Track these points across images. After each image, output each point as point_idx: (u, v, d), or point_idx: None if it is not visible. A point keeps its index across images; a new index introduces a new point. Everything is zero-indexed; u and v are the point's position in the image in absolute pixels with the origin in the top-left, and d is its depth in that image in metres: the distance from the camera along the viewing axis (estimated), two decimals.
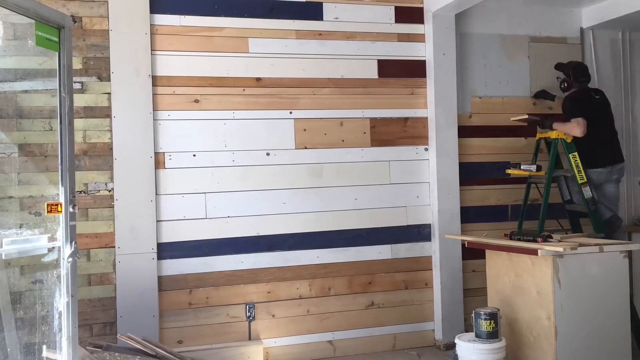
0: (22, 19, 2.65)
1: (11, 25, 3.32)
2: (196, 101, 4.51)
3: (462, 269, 4.99)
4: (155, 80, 4.40)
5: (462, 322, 4.91)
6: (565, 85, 4.92)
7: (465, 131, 5.12)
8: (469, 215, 5.10)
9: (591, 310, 3.86)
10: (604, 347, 3.88)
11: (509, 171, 4.96)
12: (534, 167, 4.71)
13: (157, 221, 4.36)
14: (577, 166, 4.59)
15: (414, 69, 5.03)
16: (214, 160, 4.53)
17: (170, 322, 4.39)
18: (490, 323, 3.84)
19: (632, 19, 5.25)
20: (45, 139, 4.03)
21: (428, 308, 4.99)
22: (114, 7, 4.29)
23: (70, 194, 2.74)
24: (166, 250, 4.39)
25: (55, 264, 2.80)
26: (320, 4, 4.81)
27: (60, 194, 2.74)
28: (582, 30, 5.55)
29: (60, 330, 2.75)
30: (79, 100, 4.19)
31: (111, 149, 4.28)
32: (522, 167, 4.77)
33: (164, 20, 4.45)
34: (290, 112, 4.72)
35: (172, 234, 4.41)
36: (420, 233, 4.99)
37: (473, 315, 3.92)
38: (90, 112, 4.26)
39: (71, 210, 2.74)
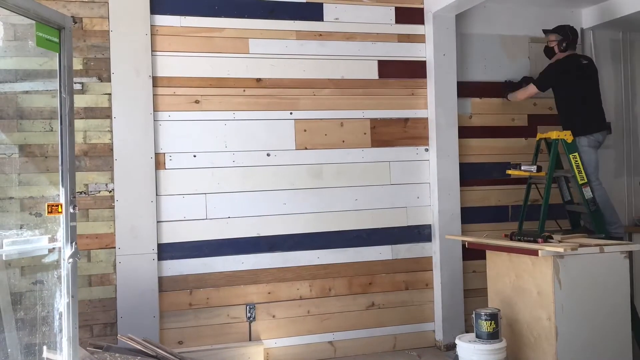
0: (23, 20, 2.66)
1: (12, 26, 3.32)
2: (196, 102, 4.51)
3: (463, 270, 4.99)
4: (155, 81, 4.40)
5: (462, 322, 4.91)
6: (565, 45, 4.86)
7: (465, 132, 5.12)
8: (470, 215, 5.10)
9: (592, 311, 3.86)
10: (604, 347, 3.88)
11: (509, 172, 4.96)
12: (534, 168, 4.71)
13: (158, 222, 4.36)
14: (577, 167, 4.59)
15: (414, 70, 5.03)
16: (215, 161, 4.53)
17: (171, 323, 4.39)
18: (490, 324, 3.84)
19: (632, 19, 5.25)
20: (45, 140, 4.04)
21: (428, 309, 4.98)
22: (114, 7, 4.29)
23: (71, 194, 2.74)
24: (166, 251, 4.39)
25: (56, 265, 2.80)
26: (321, 4, 4.81)
27: (60, 195, 2.74)
28: (582, 31, 5.55)
29: (60, 330, 2.75)
30: (80, 101, 4.19)
31: (112, 149, 4.28)
32: (522, 167, 4.77)
33: (165, 21, 4.45)
34: (291, 113, 4.72)
35: (173, 235, 4.41)
36: (420, 234, 4.99)
37: (473, 315, 3.92)
38: (91, 112, 4.26)
39: (72, 211, 2.74)
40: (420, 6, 5.04)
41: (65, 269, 2.74)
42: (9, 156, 3.88)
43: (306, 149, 4.74)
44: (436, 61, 4.96)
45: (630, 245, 4.07)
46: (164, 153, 4.42)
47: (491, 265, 4.40)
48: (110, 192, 4.28)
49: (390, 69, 4.96)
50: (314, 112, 4.77)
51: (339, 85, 4.83)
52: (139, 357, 3.70)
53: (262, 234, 4.61)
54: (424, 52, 5.04)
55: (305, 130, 4.74)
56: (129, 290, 4.24)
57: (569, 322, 3.80)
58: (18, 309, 3.11)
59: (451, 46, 5.02)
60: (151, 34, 4.39)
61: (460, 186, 5.02)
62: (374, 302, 4.86)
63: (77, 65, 4.21)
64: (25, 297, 3.18)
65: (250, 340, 4.55)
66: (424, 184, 5.00)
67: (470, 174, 5.13)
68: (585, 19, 5.54)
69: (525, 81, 5.20)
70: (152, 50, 4.39)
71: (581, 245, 3.88)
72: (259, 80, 4.65)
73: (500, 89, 5.27)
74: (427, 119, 5.03)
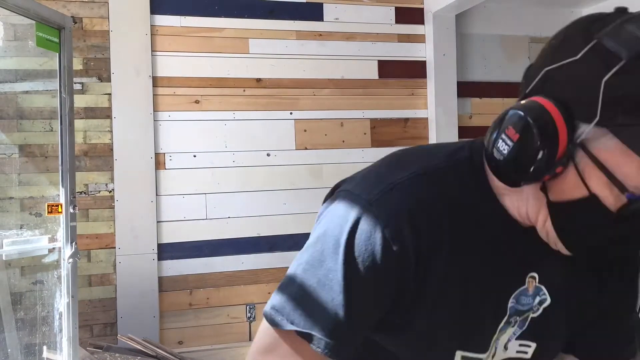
0: (23, 20, 2.66)
1: (11, 26, 3.33)
2: (196, 102, 4.51)
3: None
4: (155, 81, 4.40)
5: None
6: None
7: (465, 132, 5.12)
8: None
9: None
10: None
11: None
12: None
13: (158, 222, 4.36)
14: None
15: (414, 70, 5.03)
16: (214, 161, 4.53)
17: (171, 323, 4.39)
18: None
19: None
20: (45, 140, 4.04)
21: None
22: (114, 7, 4.29)
23: (71, 194, 2.75)
24: (166, 251, 4.39)
25: (56, 265, 2.80)
26: (321, 4, 4.81)
27: (60, 195, 2.75)
28: None
29: (60, 331, 2.76)
30: (80, 101, 4.19)
31: (112, 149, 4.28)
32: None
33: (164, 21, 4.45)
34: (291, 113, 4.72)
35: (173, 235, 4.41)
36: None
37: None
38: (91, 112, 4.26)
39: (72, 211, 2.75)
40: (420, 6, 5.04)
41: (65, 269, 2.74)
42: (9, 156, 3.88)
43: (306, 149, 4.74)
44: (436, 61, 4.96)
45: None
46: (164, 153, 4.43)
47: None
48: (110, 192, 4.28)
49: (390, 69, 4.96)
50: (314, 112, 4.77)
51: (339, 85, 4.83)
52: (139, 357, 3.70)
53: (262, 234, 4.61)
54: (424, 52, 5.05)
55: (305, 130, 4.75)
56: (129, 290, 4.24)
57: None
58: (18, 309, 3.12)
59: (451, 46, 5.02)
60: (151, 34, 4.39)
61: None
62: None
63: (77, 65, 4.21)
64: (25, 297, 3.18)
65: (250, 340, 4.55)
66: None
67: None
68: None
69: None
70: (152, 50, 4.39)
71: None
72: (259, 80, 4.65)
73: (501, 90, 5.28)
74: (427, 119, 5.03)
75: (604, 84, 0.83)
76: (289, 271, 1.05)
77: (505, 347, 1.11)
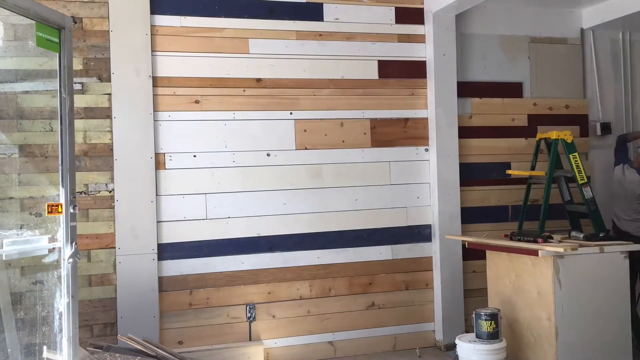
0: (23, 20, 2.66)
1: (12, 26, 3.32)
2: (196, 102, 4.51)
3: (463, 270, 4.99)
4: (155, 81, 4.40)
5: (462, 322, 4.91)
6: None
7: (465, 132, 5.12)
8: (470, 215, 5.10)
9: (592, 311, 3.86)
10: (604, 347, 3.88)
11: (509, 172, 4.95)
12: None
13: (158, 222, 4.36)
14: (577, 166, 4.59)
15: (414, 70, 5.03)
16: (215, 161, 4.53)
17: (171, 323, 4.39)
18: (490, 324, 3.84)
19: (632, 19, 5.25)
20: (45, 140, 4.04)
21: (428, 309, 4.98)
22: (114, 8, 4.29)
23: (71, 194, 2.74)
24: (166, 251, 4.39)
25: (56, 265, 2.80)
26: (321, 4, 4.81)
27: (60, 195, 2.74)
28: (582, 31, 5.55)
29: (60, 330, 2.75)
30: (80, 101, 4.19)
31: (112, 149, 4.28)
32: None
33: (165, 21, 4.45)
34: (291, 113, 4.72)
35: (173, 235, 4.41)
36: (420, 234, 4.98)
37: (473, 315, 3.92)
38: (91, 112, 4.26)
39: (72, 211, 2.74)
40: (420, 6, 5.04)
41: (65, 269, 2.74)
42: (9, 156, 3.88)
43: (306, 149, 4.74)
44: (436, 61, 4.96)
45: (630, 245, 4.06)
46: (164, 153, 4.42)
47: (491, 265, 4.40)
48: (110, 192, 4.28)
49: (390, 69, 4.96)
50: (314, 112, 4.77)
51: (339, 85, 4.83)
52: (139, 357, 3.70)
53: (262, 234, 4.61)
54: (424, 52, 5.04)
55: (305, 130, 4.74)
56: (129, 290, 4.24)
57: (569, 322, 3.81)
58: (18, 309, 3.11)
59: (451, 46, 5.02)
60: (151, 34, 4.39)
61: (460, 186, 5.02)
62: (374, 302, 4.86)
63: (77, 65, 4.21)
64: (25, 297, 3.18)
65: (250, 340, 4.55)
66: (424, 184, 5.00)
67: (471, 174, 5.13)
68: (585, 19, 5.54)
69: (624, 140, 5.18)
70: (152, 50, 4.39)
71: (581, 246, 3.88)
72: (259, 80, 4.65)
73: (501, 90, 5.28)
74: (427, 119, 5.03)
75: None
76: None
77: None
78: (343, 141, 4.82)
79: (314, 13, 4.79)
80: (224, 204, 4.53)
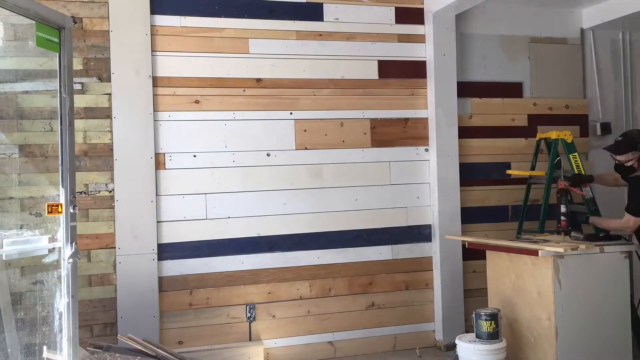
0: (23, 20, 2.66)
1: (12, 26, 3.32)
2: (196, 102, 4.51)
3: (463, 270, 4.99)
4: (155, 81, 4.40)
5: (462, 322, 4.91)
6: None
7: (465, 132, 5.12)
8: (470, 215, 5.10)
9: (592, 311, 3.86)
10: (604, 347, 3.88)
11: (509, 172, 4.95)
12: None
13: (158, 222, 4.36)
14: (577, 166, 4.59)
15: (414, 70, 5.03)
16: (215, 161, 4.53)
17: (171, 323, 4.39)
18: (490, 324, 3.84)
19: (632, 19, 5.25)
20: (45, 140, 4.04)
21: (428, 309, 4.98)
22: (114, 8, 4.29)
23: (71, 194, 2.74)
24: (166, 251, 4.39)
25: (56, 265, 2.80)
26: (321, 4, 4.81)
27: (60, 195, 2.74)
28: (582, 31, 5.55)
29: (60, 330, 2.75)
30: (80, 101, 4.19)
31: (112, 149, 4.28)
32: None
33: (165, 21, 4.45)
34: (291, 113, 4.72)
35: (173, 235, 4.41)
36: (420, 234, 4.98)
37: (473, 315, 3.92)
38: (91, 112, 4.26)
39: (71, 211, 2.74)
40: (420, 6, 5.04)
41: (65, 269, 2.74)
42: (9, 156, 3.88)
43: (306, 149, 4.74)
44: (436, 61, 4.96)
45: (630, 245, 4.06)
46: (164, 153, 4.42)
47: (491, 265, 4.40)
48: (110, 192, 4.28)
49: (390, 69, 4.96)
50: (314, 112, 4.77)
51: (339, 85, 4.83)
52: (139, 357, 3.70)
53: (262, 234, 4.61)
54: (424, 52, 5.04)
55: (305, 130, 4.74)
56: (129, 290, 4.24)
57: (569, 322, 3.80)
58: (18, 309, 3.11)
59: (451, 46, 5.02)
60: (151, 34, 4.39)
61: (460, 186, 5.02)
62: (374, 302, 4.86)
63: (77, 65, 4.21)
64: (25, 297, 3.18)
65: (250, 340, 4.55)
66: (424, 184, 5.00)
67: (470, 174, 5.13)
68: (585, 19, 5.54)
69: (577, 179, 4.51)
70: (152, 50, 4.39)
71: (581, 245, 3.88)
72: (259, 80, 4.65)
73: (501, 90, 5.27)
74: (427, 119, 5.03)
75: None
76: None
77: None
78: (343, 141, 4.82)
79: (314, 13, 4.79)
80: (224, 204, 4.53)
